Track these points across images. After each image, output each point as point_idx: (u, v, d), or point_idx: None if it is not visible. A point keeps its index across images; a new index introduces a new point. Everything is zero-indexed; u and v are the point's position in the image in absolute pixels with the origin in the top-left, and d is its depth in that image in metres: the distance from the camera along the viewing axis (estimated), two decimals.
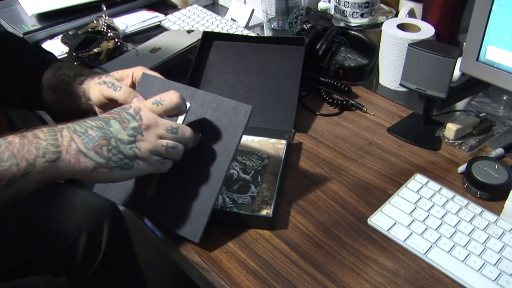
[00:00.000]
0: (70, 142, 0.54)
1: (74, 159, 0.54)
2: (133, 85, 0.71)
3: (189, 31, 1.08)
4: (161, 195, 0.65)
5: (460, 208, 0.67)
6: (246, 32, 1.13)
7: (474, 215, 0.66)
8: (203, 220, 0.61)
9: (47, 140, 0.54)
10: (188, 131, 0.60)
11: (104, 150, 0.55)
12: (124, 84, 0.69)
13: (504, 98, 0.89)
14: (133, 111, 0.58)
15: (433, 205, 0.68)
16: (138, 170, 0.57)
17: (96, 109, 0.73)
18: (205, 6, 1.28)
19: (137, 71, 0.70)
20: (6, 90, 0.78)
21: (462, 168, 0.75)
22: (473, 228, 0.64)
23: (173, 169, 0.61)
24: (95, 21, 1.10)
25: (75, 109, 0.75)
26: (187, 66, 0.92)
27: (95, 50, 1.01)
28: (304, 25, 1.03)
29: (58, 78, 0.75)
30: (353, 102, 0.89)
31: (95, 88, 0.70)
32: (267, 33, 1.15)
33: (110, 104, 0.69)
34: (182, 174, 0.63)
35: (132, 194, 0.67)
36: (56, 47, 1.09)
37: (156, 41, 1.06)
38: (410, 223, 0.65)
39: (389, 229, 0.65)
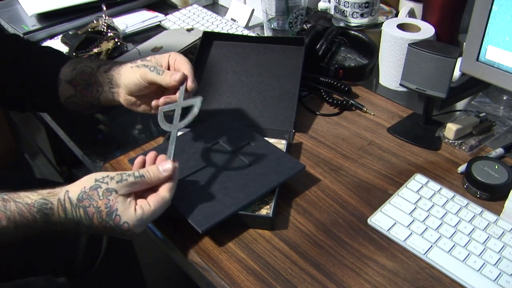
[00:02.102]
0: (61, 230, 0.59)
1: None
2: (168, 69, 0.71)
3: (189, 30, 1.08)
4: (191, 185, 0.67)
5: (460, 208, 0.67)
6: (246, 32, 1.13)
7: (474, 215, 0.66)
8: (218, 217, 0.62)
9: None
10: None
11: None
12: (164, 68, 0.70)
13: (504, 98, 0.89)
14: (129, 235, 0.59)
15: (433, 205, 0.68)
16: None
17: (125, 96, 0.72)
18: (205, 6, 1.28)
19: (172, 55, 0.70)
20: (19, 93, 0.78)
21: (462, 168, 0.75)
22: (473, 228, 0.64)
23: (215, 170, 0.69)
24: (95, 21, 1.10)
25: (91, 102, 0.75)
26: None
27: (95, 50, 1.01)
28: (304, 25, 1.03)
29: (79, 70, 0.74)
30: (353, 102, 0.89)
31: (133, 72, 0.70)
32: (267, 33, 1.15)
33: (148, 88, 0.70)
34: (223, 176, 0.68)
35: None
36: (56, 47, 1.09)
37: (157, 40, 1.06)
38: (410, 223, 0.65)
39: (389, 229, 0.65)
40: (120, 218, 0.56)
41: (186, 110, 0.66)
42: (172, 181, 0.60)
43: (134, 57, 1.00)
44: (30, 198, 0.56)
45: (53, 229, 0.58)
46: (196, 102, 0.65)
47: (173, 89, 0.69)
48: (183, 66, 0.69)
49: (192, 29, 1.09)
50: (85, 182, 0.57)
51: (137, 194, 0.60)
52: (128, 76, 0.70)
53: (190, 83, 0.68)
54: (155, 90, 0.71)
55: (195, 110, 0.65)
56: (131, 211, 0.57)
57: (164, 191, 0.60)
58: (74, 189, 0.57)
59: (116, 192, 0.57)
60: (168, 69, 0.71)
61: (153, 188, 0.61)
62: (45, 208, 0.56)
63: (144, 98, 0.73)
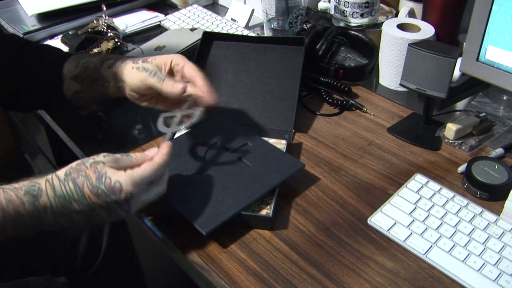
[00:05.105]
0: (54, 223, 0.56)
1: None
2: (171, 72, 0.70)
3: (192, 29, 1.08)
4: (191, 187, 0.67)
5: (460, 208, 0.67)
6: (246, 32, 1.13)
7: (474, 215, 0.66)
8: (221, 219, 0.62)
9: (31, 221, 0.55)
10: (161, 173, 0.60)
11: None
12: (164, 73, 0.69)
13: (504, 98, 0.89)
14: (123, 201, 0.56)
15: (433, 205, 0.68)
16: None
17: (129, 91, 0.72)
18: (205, 6, 1.28)
19: (176, 59, 0.70)
20: (20, 92, 0.78)
21: (462, 168, 0.75)
22: (473, 228, 0.64)
23: (215, 171, 0.69)
24: (95, 21, 1.10)
25: (99, 96, 0.75)
26: None
27: (95, 50, 1.01)
28: (304, 25, 1.03)
29: (83, 66, 0.74)
30: (353, 102, 0.89)
31: (134, 73, 0.70)
32: (267, 33, 1.15)
33: (148, 90, 0.70)
34: (223, 177, 0.68)
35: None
36: (56, 47, 1.09)
37: (160, 39, 1.06)
38: (410, 223, 0.65)
39: (389, 229, 0.65)
40: (111, 180, 0.55)
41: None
42: (163, 150, 0.60)
43: (137, 56, 1.01)
44: (18, 183, 0.55)
45: (44, 220, 0.55)
46: (197, 113, 0.67)
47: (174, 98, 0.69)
48: (193, 76, 0.68)
49: (195, 28, 1.09)
50: (72, 164, 0.57)
51: None
52: (130, 76, 0.70)
53: (209, 98, 0.68)
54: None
55: (194, 119, 0.66)
56: (121, 172, 0.56)
57: (156, 157, 0.59)
58: (61, 169, 0.57)
59: (104, 164, 0.56)
60: (171, 72, 0.70)
61: None
62: (33, 190, 0.54)
63: (148, 95, 0.73)
